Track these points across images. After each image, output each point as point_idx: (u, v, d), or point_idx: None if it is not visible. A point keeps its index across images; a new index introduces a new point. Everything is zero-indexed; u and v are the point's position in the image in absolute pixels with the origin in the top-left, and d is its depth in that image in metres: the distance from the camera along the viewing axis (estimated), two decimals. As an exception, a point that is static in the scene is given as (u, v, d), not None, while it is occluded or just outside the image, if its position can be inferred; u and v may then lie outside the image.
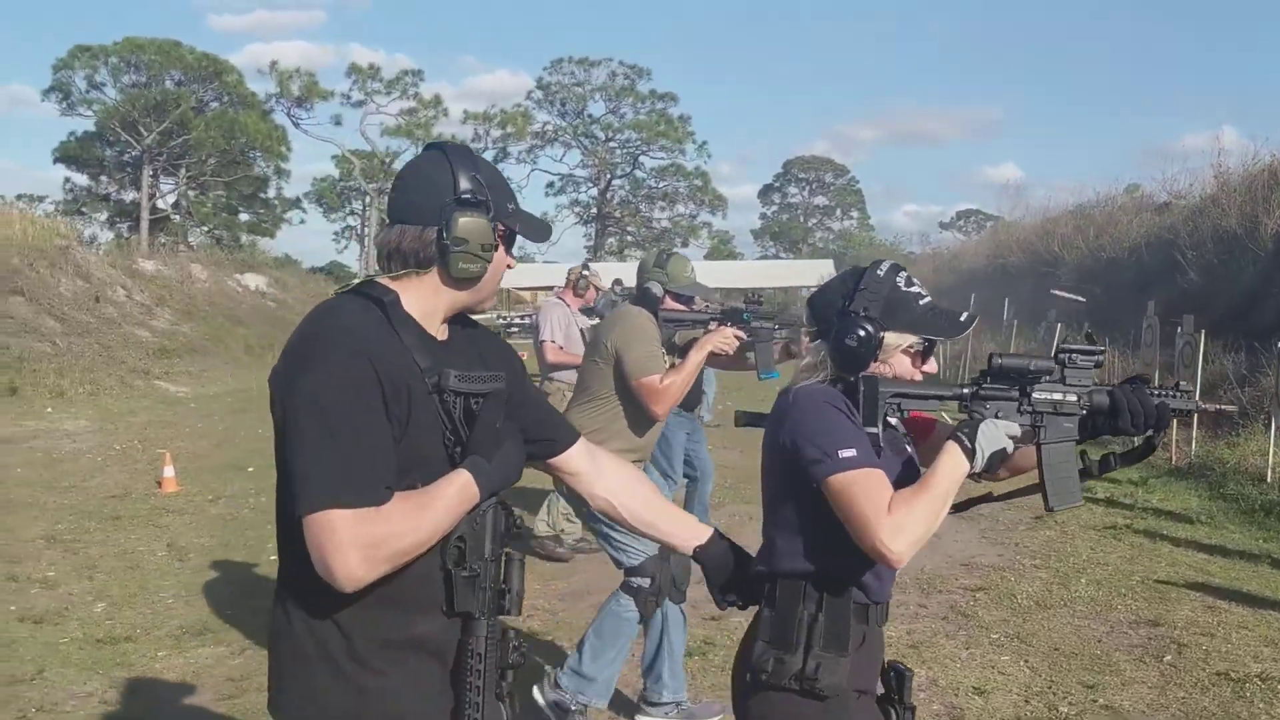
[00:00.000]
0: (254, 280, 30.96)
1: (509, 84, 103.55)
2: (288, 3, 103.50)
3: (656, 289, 4.39)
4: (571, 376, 7.18)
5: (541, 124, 55.22)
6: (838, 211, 76.82)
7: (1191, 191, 20.80)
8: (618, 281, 22.99)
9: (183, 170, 46.87)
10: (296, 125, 46.27)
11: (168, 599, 6.18)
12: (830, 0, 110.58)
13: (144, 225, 42.80)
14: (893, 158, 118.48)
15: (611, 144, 57.94)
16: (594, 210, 58.95)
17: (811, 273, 32.79)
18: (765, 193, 76.84)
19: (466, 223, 1.87)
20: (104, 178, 49.87)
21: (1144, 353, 11.46)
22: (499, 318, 43.53)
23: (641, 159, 58.09)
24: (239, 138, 44.71)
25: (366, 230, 68.69)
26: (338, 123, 47.35)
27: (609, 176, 58.16)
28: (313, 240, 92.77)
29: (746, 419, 2.50)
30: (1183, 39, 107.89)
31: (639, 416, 4.14)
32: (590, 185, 58.94)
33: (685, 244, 59.77)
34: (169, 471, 9.54)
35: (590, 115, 57.59)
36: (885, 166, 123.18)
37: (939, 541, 7.57)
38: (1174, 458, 10.33)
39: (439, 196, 1.88)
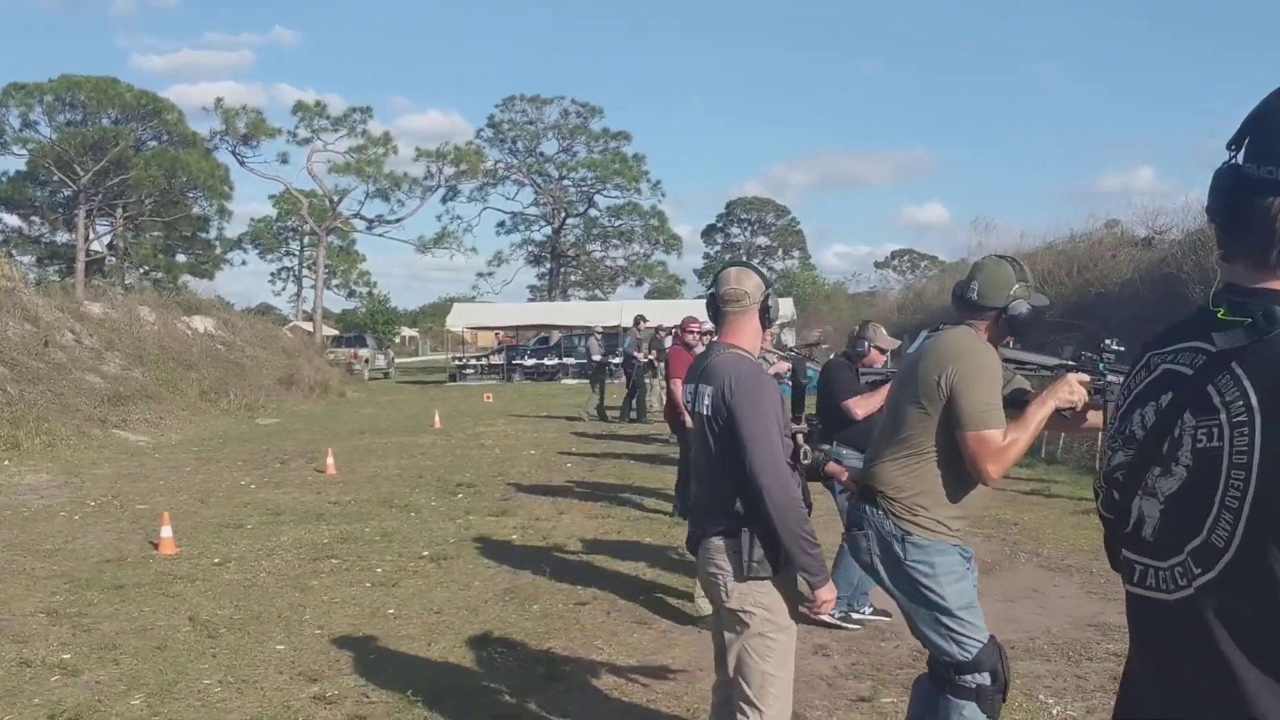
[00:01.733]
0: (202, 323, 29.77)
1: (441, 124, 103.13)
2: (215, 43, 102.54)
3: (1023, 307, 3.39)
4: None
5: (493, 162, 54.60)
6: (779, 251, 77.09)
7: (1172, 227, 20.83)
8: (640, 318, 22.16)
9: (119, 210, 45.47)
10: (242, 163, 45.06)
11: (214, 687, 5.34)
12: (759, 44, 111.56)
13: (80, 267, 41.29)
14: (822, 200, 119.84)
15: (565, 182, 57.46)
16: (548, 249, 58.30)
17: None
18: (708, 233, 76.99)
19: None
20: (35, 218, 48.25)
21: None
22: (453, 359, 42.61)
23: (596, 198, 57.80)
24: (180, 177, 43.43)
25: (304, 270, 67.55)
26: (284, 161, 46.14)
27: (563, 215, 57.60)
28: (244, 281, 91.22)
29: None
30: (1099, 84, 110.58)
31: (959, 476, 3.35)
32: (543, 224, 58.29)
33: (640, 283, 59.49)
34: (167, 531, 8.64)
35: (543, 153, 57.21)
36: (815, 208, 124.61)
37: (1048, 600, 6.98)
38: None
39: None
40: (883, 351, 6.38)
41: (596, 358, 21.20)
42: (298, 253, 68.05)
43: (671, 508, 9.97)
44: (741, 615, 3.33)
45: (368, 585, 7.45)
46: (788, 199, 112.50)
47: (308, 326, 45.46)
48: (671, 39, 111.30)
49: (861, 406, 6.20)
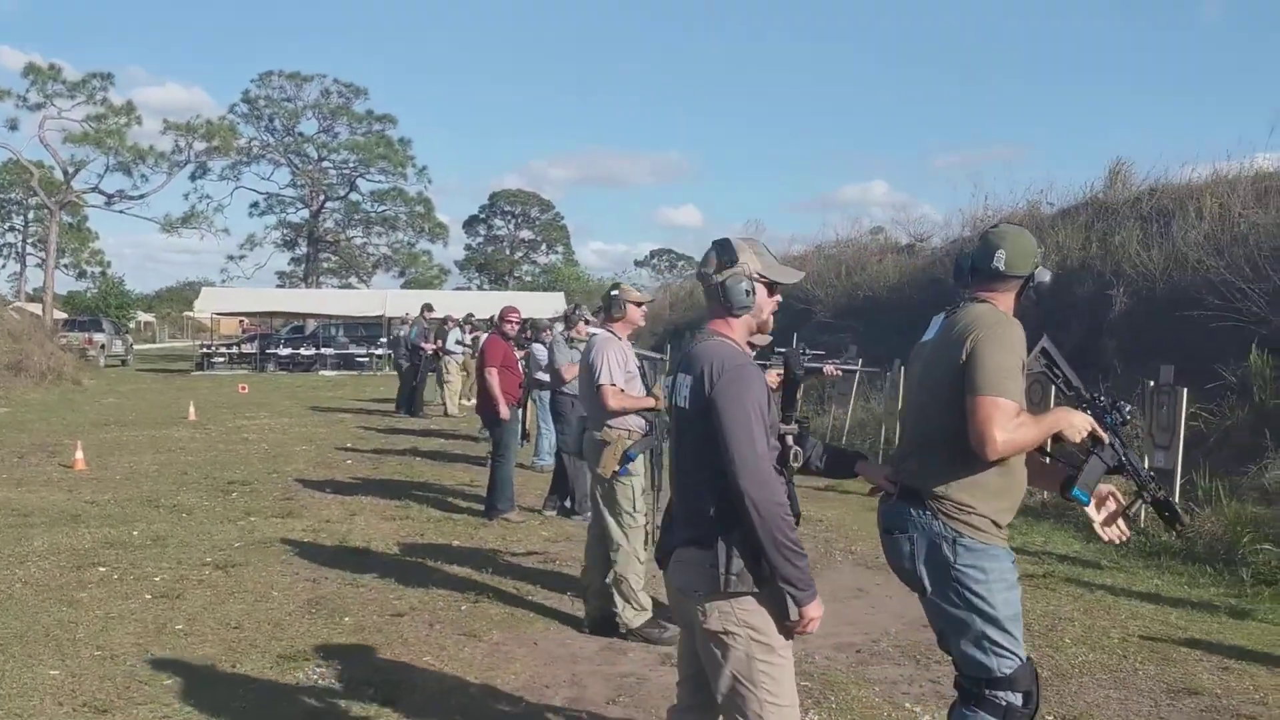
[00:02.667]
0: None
1: (181, 98, 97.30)
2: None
3: (1047, 275, 3.27)
4: (635, 422, 5.96)
5: (247, 139, 51.64)
6: (543, 246, 76.94)
7: (933, 235, 21.97)
8: (428, 307, 21.10)
9: None
10: (-40, 128, 40.68)
11: (-21, 725, 4.53)
12: (524, 39, 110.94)
13: None
14: (580, 197, 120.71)
15: (325, 164, 55.10)
16: (304, 233, 55.71)
17: (545, 305, 32.02)
18: (471, 224, 75.92)
19: None
20: None
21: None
22: (201, 346, 40.15)
23: (358, 182, 55.68)
24: (-115, 138, 38.87)
25: (28, 248, 62.09)
26: (13, 127, 41.84)
27: (322, 198, 55.22)
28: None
29: None
30: (839, 100, 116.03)
31: (1001, 462, 3.07)
32: (301, 206, 55.64)
33: (403, 273, 57.68)
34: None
35: (301, 133, 54.66)
36: (573, 205, 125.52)
37: (876, 600, 6.93)
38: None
39: None
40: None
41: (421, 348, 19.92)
42: (21, 228, 62.71)
43: (486, 510, 9.44)
44: (724, 638, 2.96)
45: (147, 598, 6.62)
46: (548, 194, 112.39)
47: (33, 308, 41.69)
48: (434, 22, 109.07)
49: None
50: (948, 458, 3.12)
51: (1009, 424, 2.96)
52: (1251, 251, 11.70)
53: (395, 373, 21.54)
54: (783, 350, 3.37)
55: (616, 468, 5.76)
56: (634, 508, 5.86)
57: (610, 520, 5.87)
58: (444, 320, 19.62)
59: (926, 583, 3.16)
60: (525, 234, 75.59)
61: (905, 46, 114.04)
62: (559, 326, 13.32)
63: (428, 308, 20.36)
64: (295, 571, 7.34)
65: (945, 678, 5.33)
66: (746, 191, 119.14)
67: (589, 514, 9.54)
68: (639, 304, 6.14)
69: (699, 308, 28.78)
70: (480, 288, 68.34)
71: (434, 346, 19.12)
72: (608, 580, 5.87)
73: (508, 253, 74.58)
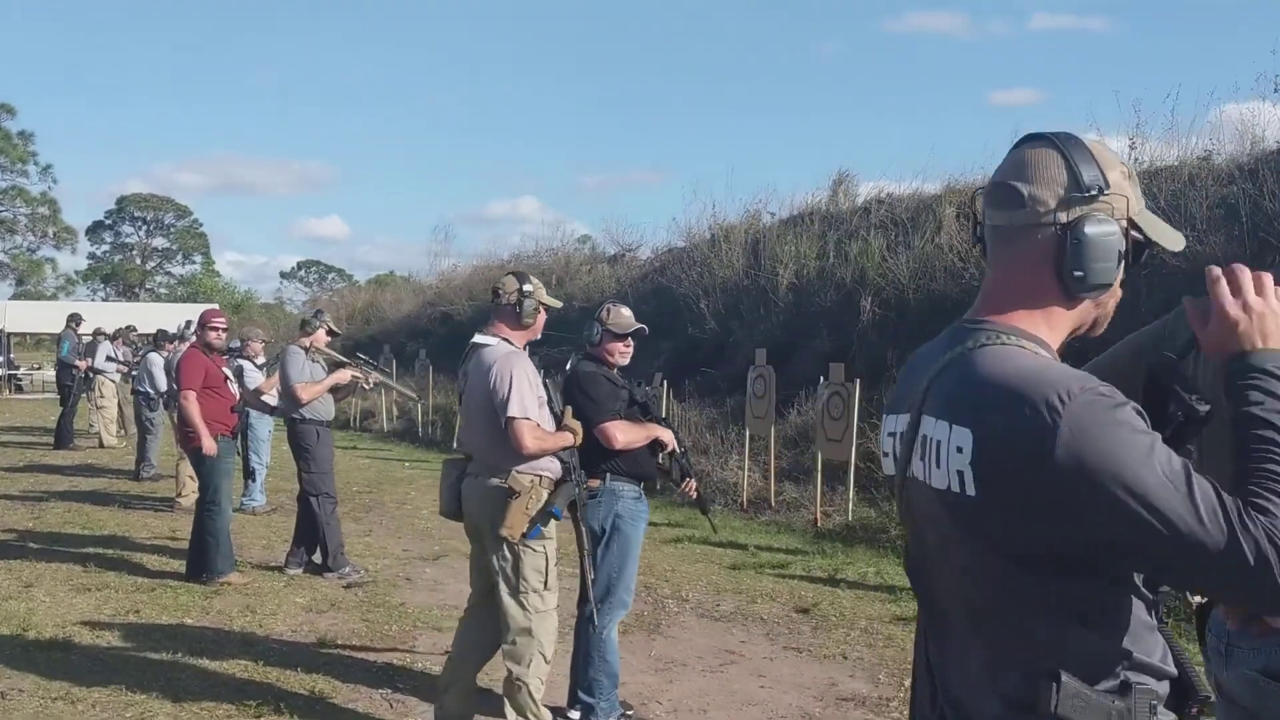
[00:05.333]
0: None
1: None
2: None
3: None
4: (548, 464, 4.40)
5: None
6: (180, 255, 71.40)
7: (641, 245, 21.49)
8: (77, 318, 17.69)
9: None
10: None
11: None
12: (152, 38, 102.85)
13: None
14: (214, 205, 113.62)
15: (-76, 155, 47.85)
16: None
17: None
18: (95, 230, 68.96)
19: None
20: None
21: (756, 405, 10.55)
22: None
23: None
24: None
25: None
26: None
27: (-82, 194, 47.93)
28: None
29: None
30: (485, 115, 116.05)
31: None
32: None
33: (21, 282, 50.90)
34: None
35: (-105, 119, 47.19)
36: (206, 214, 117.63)
37: (754, 664, 5.72)
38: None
39: None
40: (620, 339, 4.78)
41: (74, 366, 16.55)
42: None
43: (194, 571, 7.36)
44: None
45: None
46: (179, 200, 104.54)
47: None
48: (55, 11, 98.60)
49: (623, 432, 4.51)
50: None
51: None
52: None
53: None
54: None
55: (527, 529, 4.15)
56: (545, 583, 4.24)
57: (510, 601, 4.20)
58: (94, 334, 16.74)
59: None
60: (159, 242, 69.61)
61: (555, 63, 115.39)
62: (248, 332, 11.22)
63: (75, 319, 17.29)
64: (-35, 683, 5.17)
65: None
66: (395, 204, 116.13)
67: (345, 570, 7.83)
68: (548, 309, 4.56)
69: (386, 320, 26.66)
70: (106, 299, 62.09)
71: (86, 365, 16.22)
72: (506, 684, 4.26)
73: (139, 262, 68.34)
